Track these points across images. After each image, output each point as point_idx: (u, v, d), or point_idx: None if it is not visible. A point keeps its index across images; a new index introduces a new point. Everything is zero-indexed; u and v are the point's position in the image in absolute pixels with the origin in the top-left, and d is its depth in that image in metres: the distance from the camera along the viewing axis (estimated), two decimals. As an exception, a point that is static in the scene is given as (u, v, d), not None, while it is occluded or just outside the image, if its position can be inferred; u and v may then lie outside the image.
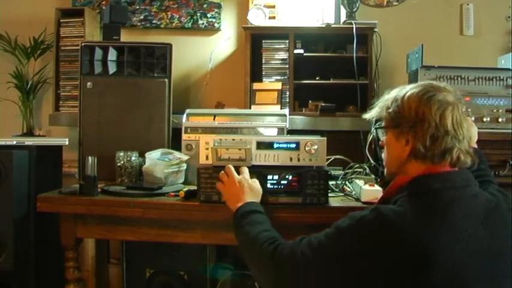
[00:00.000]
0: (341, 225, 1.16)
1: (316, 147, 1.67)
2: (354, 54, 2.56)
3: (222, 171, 1.58)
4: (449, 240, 1.08)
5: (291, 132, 2.15)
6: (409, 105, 1.20)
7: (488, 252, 1.11)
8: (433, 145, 1.17)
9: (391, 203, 1.18)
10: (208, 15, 2.96)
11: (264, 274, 1.28)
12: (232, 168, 1.56)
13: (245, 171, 1.57)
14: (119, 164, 2.05)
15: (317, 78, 2.70)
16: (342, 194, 1.85)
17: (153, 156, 2.00)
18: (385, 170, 1.35)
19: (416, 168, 1.20)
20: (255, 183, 1.55)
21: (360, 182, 1.82)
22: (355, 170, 1.99)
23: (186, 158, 2.02)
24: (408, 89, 1.24)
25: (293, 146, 1.68)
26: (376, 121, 1.41)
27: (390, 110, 1.25)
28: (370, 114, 1.37)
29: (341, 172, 2.02)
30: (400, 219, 1.10)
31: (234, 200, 1.49)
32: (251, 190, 1.52)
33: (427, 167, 1.19)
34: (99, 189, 1.84)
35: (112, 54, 2.29)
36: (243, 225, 1.38)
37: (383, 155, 1.35)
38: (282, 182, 1.66)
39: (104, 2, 2.97)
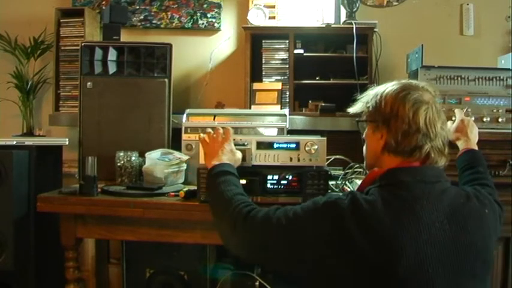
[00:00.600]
0: (318, 201, 1.20)
1: (316, 147, 1.67)
2: (354, 54, 2.56)
3: (210, 130, 1.60)
4: (416, 232, 1.10)
5: (291, 132, 2.15)
6: (385, 102, 1.26)
7: (454, 247, 1.13)
8: (404, 141, 1.21)
9: (364, 193, 1.21)
10: (208, 15, 2.96)
11: (235, 234, 1.30)
12: (221, 131, 1.59)
13: (231, 133, 1.60)
14: (119, 164, 2.05)
15: (317, 78, 2.70)
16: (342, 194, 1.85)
17: (153, 156, 2.00)
18: (365, 162, 1.40)
19: (390, 161, 1.25)
20: (237, 152, 1.58)
21: (360, 182, 1.81)
22: (355, 170, 1.99)
23: (186, 158, 2.02)
24: (388, 86, 1.29)
25: (293, 146, 1.68)
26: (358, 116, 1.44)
27: (369, 105, 1.31)
28: (353, 109, 1.41)
29: (341, 172, 2.02)
30: (370, 208, 1.13)
31: (212, 157, 1.52)
32: (231, 153, 1.55)
33: (400, 161, 1.23)
34: (99, 189, 1.84)
35: (112, 54, 2.29)
36: (218, 183, 1.41)
37: (363, 148, 1.39)
38: (282, 182, 1.66)
39: (104, 2, 2.97)
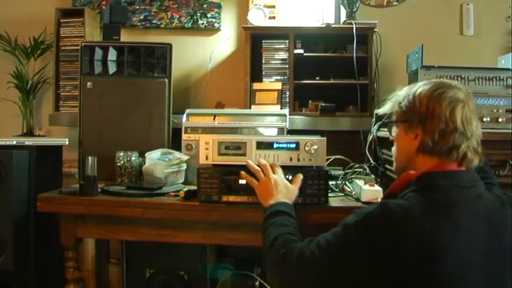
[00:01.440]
0: (348, 222, 1.16)
1: (316, 147, 1.67)
2: (354, 54, 2.56)
3: (257, 167, 1.57)
4: (454, 237, 1.09)
5: (291, 132, 2.15)
6: (420, 101, 1.23)
7: (490, 252, 1.12)
8: (442, 140, 1.18)
9: (398, 198, 1.19)
10: (208, 15, 2.96)
11: (276, 276, 1.28)
12: (269, 167, 1.57)
13: (280, 170, 1.58)
14: (119, 164, 2.05)
15: (317, 78, 2.70)
16: (342, 194, 1.85)
17: (153, 156, 2.00)
18: (394, 165, 1.36)
19: (424, 163, 1.21)
20: (290, 186, 1.55)
21: (360, 182, 1.82)
22: (355, 170, 1.99)
23: (186, 158, 2.02)
24: (420, 85, 1.26)
25: (293, 146, 1.68)
26: (379, 119, 1.42)
27: (402, 105, 1.27)
28: (383, 110, 1.38)
29: (341, 172, 2.02)
30: (406, 213, 1.10)
31: (268, 196, 1.49)
32: (286, 189, 1.52)
33: (435, 163, 1.20)
34: (99, 189, 1.84)
35: (112, 54, 2.29)
36: (267, 226, 1.38)
37: (392, 150, 1.36)
38: (282, 182, 1.66)
39: (104, 2, 2.96)
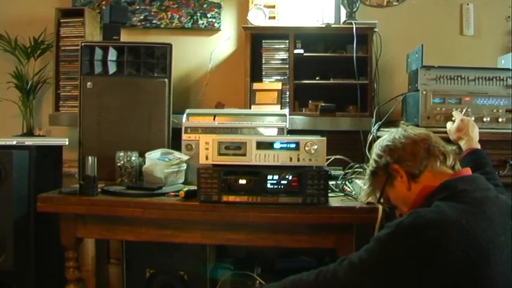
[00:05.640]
0: (380, 236, 1.14)
1: (316, 147, 1.67)
2: (354, 54, 2.55)
3: None
4: (494, 235, 1.08)
5: (291, 132, 2.15)
6: (378, 155, 1.35)
7: None
8: (413, 155, 1.28)
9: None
10: (208, 15, 2.96)
11: None
12: None
13: None
14: (119, 164, 2.05)
15: (317, 78, 2.70)
16: (342, 194, 1.85)
17: (153, 156, 2.00)
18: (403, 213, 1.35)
19: (426, 181, 1.25)
20: None
21: (360, 182, 1.82)
22: (355, 170, 1.99)
23: (186, 158, 2.02)
24: (372, 157, 1.40)
25: (293, 146, 1.68)
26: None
27: (373, 172, 1.38)
28: (364, 197, 1.48)
29: (341, 172, 2.02)
30: (440, 218, 1.09)
31: None
32: None
33: (431, 177, 1.25)
34: (99, 189, 1.84)
35: (112, 54, 2.29)
36: None
37: (399, 209, 1.38)
38: (282, 182, 1.66)
39: (104, 2, 2.96)
